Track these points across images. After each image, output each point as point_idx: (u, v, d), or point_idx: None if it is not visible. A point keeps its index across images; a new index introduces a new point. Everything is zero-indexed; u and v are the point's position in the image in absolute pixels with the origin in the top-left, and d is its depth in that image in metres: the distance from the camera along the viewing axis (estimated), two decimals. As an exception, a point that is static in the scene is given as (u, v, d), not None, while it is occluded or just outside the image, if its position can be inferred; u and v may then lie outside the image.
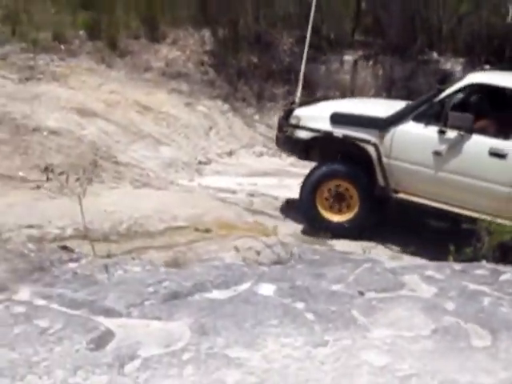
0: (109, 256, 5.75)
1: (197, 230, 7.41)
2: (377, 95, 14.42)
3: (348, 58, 15.37)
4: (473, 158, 8.50)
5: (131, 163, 11.10)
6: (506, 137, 8.40)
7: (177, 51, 14.85)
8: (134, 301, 4.22)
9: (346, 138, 8.99)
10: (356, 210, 9.07)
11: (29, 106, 11.69)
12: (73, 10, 16.16)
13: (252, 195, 10.29)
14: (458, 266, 5.04)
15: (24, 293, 4.40)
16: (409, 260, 7.18)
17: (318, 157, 9.56)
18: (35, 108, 11.68)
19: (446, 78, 9.62)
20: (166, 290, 4.42)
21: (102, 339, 3.80)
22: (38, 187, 8.42)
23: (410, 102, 9.44)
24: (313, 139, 9.29)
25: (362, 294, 4.43)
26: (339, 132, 9.01)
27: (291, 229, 9.14)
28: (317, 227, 8.86)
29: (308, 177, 9.35)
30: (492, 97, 9.14)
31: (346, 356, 3.66)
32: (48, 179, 6.93)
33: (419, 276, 4.75)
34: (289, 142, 9.58)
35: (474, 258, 5.78)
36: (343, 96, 14.10)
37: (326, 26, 16.13)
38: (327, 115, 9.16)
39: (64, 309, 4.15)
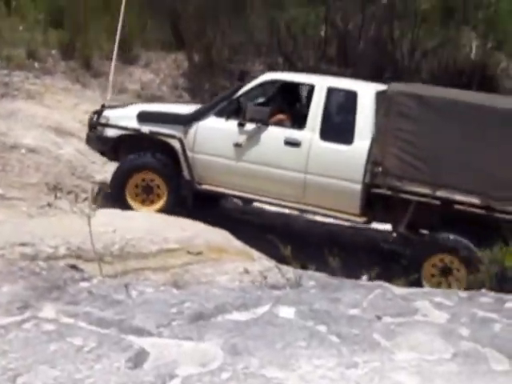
0: (115, 276, 5.82)
1: (189, 252, 7.48)
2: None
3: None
4: (270, 148, 9.13)
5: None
6: (300, 127, 9.08)
7: (150, 74, 14.98)
8: (161, 321, 4.32)
9: (152, 134, 9.44)
10: (164, 200, 9.50)
11: (5, 124, 11.68)
12: (43, 28, 16.16)
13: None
14: (463, 294, 5.23)
15: (49, 311, 4.46)
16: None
17: (126, 154, 9.91)
18: (12, 125, 11.68)
19: (245, 76, 10.20)
20: (189, 310, 4.52)
21: (139, 358, 3.88)
22: (49, 205, 8.46)
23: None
24: (121, 137, 9.71)
25: (379, 318, 4.59)
26: (146, 128, 9.44)
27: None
28: None
29: (117, 170, 9.78)
30: (287, 91, 9.86)
31: (379, 377, 3.80)
32: (56, 198, 6.95)
33: (429, 302, 4.93)
34: (98, 141, 10.02)
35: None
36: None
37: (295, 54, 16.40)
38: (135, 114, 9.66)
39: (93, 327, 4.23)
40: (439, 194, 8.14)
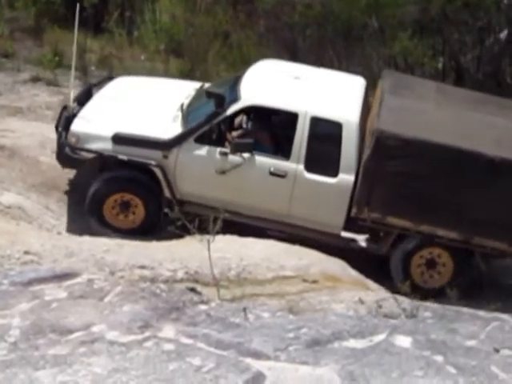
0: (232, 300, 5.90)
1: (305, 280, 7.51)
2: None
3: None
4: (254, 178, 8.86)
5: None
6: (284, 157, 8.83)
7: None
8: (278, 345, 4.38)
9: (131, 161, 8.94)
10: (142, 218, 9.07)
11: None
12: (164, 58, 16.55)
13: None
14: None
15: (169, 331, 4.58)
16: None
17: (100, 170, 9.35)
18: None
19: (223, 100, 9.51)
20: (306, 336, 4.57)
21: (256, 380, 3.96)
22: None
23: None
24: (95, 157, 9.13)
25: (497, 350, 4.52)
26: (124, 155, 8.93)
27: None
28: (106, 233, 8.78)
29: (96, 189, 9.08)
30: (270, 118, 9.41)
31: (498, 410, 3.76)
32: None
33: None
34: (70, 161, 9.23)
35: None
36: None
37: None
38: (108, 134, 9.00)
39: (212, 349, 4.32)
40: (422, 228, 8.61)
